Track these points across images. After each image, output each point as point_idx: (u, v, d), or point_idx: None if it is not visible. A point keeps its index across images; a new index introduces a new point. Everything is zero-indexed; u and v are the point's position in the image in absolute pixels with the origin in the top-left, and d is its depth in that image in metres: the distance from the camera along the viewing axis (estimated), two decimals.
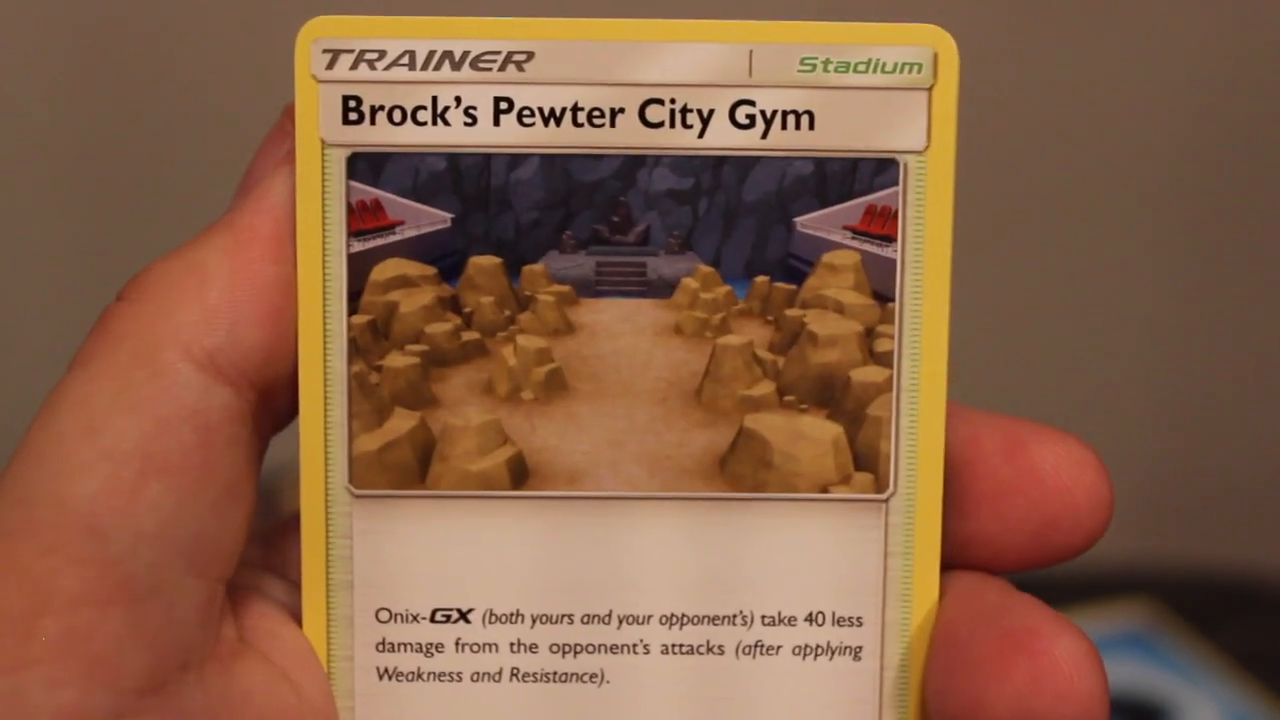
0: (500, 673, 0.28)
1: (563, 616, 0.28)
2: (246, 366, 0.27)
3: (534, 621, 0.28)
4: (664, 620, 0.28)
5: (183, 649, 0.26)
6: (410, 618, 0.28)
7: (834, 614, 0.28)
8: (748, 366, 0.28)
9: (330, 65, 0.27)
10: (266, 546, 0.30)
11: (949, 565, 0.29)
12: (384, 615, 0.28)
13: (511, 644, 0.28)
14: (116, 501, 0.26)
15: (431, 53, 0.27)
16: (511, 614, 0.28)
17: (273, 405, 0.28)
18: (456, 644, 0.28)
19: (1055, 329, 0.80)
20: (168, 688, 0.26)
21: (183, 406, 0.26)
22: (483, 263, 0.28)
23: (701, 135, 0.28)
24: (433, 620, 0.28)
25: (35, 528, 0.25)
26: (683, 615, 0.28)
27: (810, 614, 0.28)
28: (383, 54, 0.27)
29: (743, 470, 0.28)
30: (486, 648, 0.28)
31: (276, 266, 0.27)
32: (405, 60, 0.27)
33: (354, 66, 0.27)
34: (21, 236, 0.75)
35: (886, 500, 0.28)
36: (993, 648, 0.27)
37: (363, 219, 0.28)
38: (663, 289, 0.28)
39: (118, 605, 0.25)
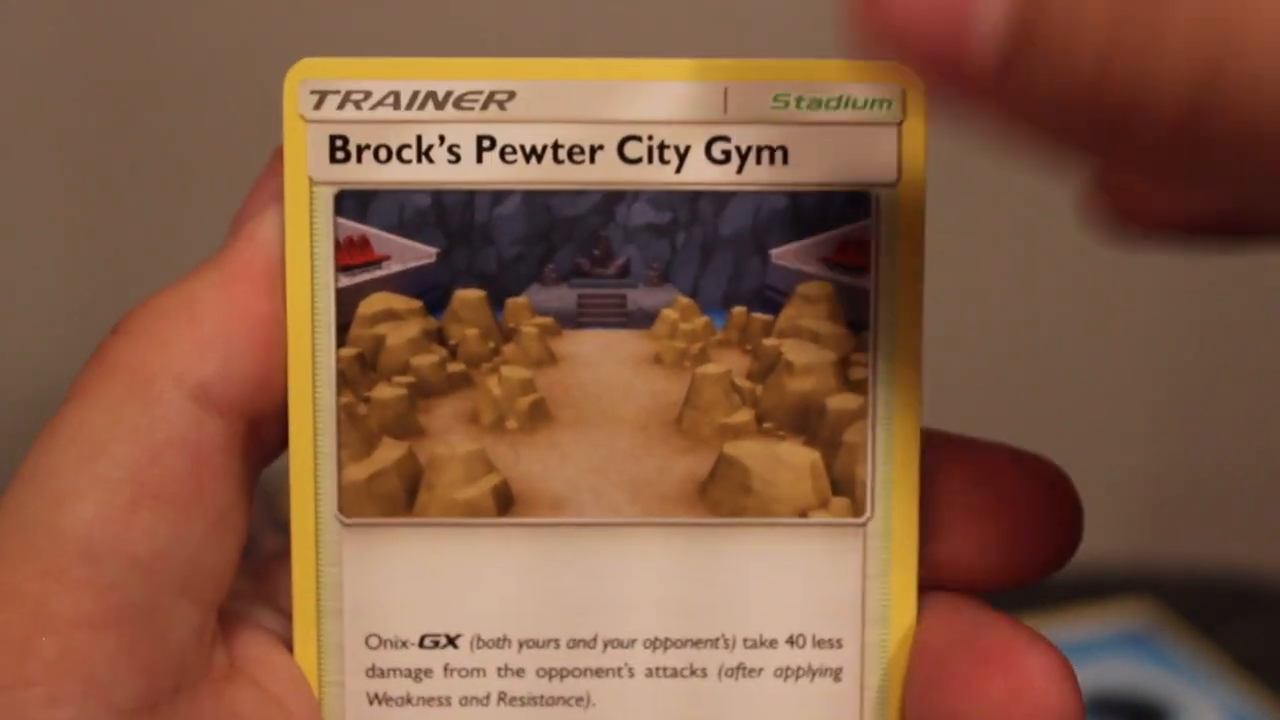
0: (487, 697, 0.29)
1: (548, 641, 0.29)
2: (237, 398, 0.28)
3: (520, 646, 0.29)
4: (648, 644, 0.29)
5: (176, 671, 0.27)
6: (399, 644, 0.29)
7: (814, 636, 0.29)
8: (726, 395, 0.29)
9: (318, 105, 0.28)
10: (257, 578, 0.31)
11: (925, 586, 0.29)
12: (373, 641, 0.29)
13: (498, 669, 0.29)
14: (111, 528, 0.26)
15: (416, 93, 0.28)
16: (498, 639, 0.29)
17: (263, 436, 0.29)
18: (445, 669, 0.29)
19: (1056, 329, 0.80)
20: (160, 709, 0.26)
21: (175, 435, 0.27)
22: (467, 296, 0.29)
23: (679, 170, 0.28)
24: (421, 646, 0.29)
25: (32, 552, 0.26)
26: (666, 639, 0.29)
27: (791, 636, 0.29)
28: (368, 94, 0.28)
29: (722, 496, 0.29)
30: (474, 673, 0.29)
31: (267, 301, 0.28)
32: (390, 100, 0.28)
33: (340, 106, 0.28)
34: (17, 261, 0.76)
35: (864, 524, 0.29)
36: (969, 665, 0.27)
37: (350, 254, 0.28)
38: (643, 320, 0.29)
39: (112, 627, 0.26)
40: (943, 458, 0.29)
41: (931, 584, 0.29)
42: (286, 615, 0.30)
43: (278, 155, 0.29)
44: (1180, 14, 0.18)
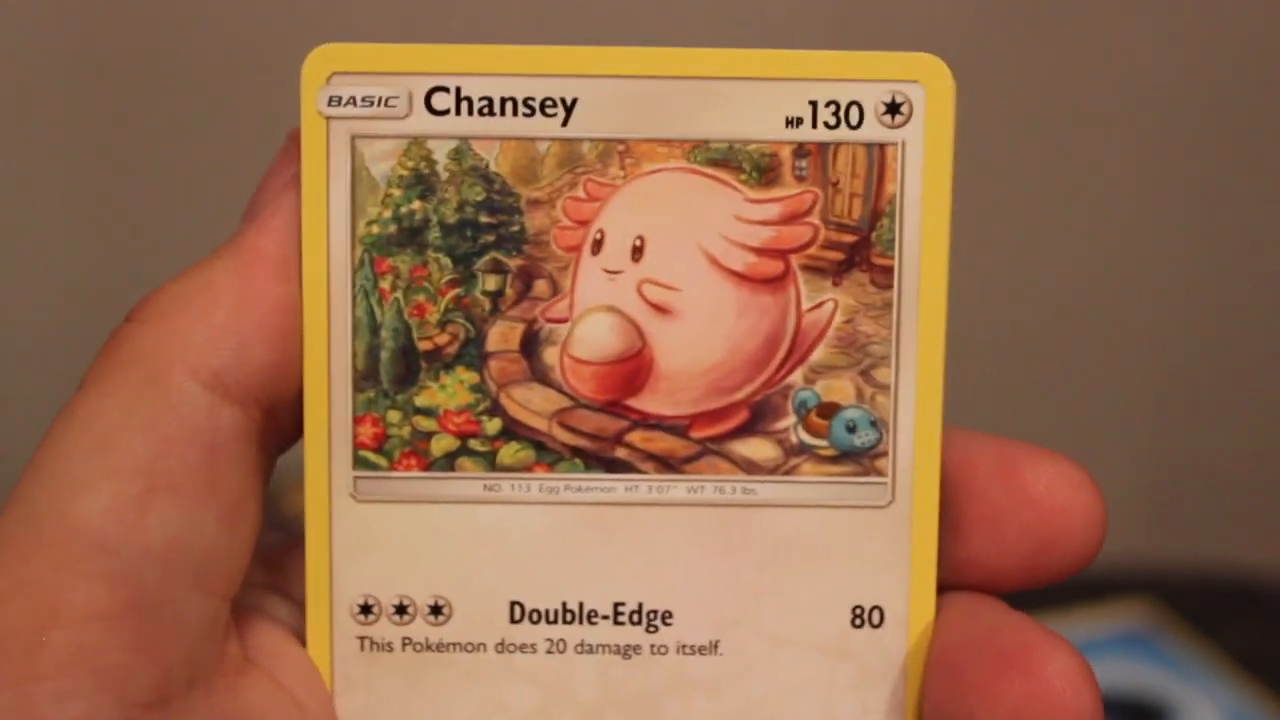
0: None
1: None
2: (253, 385, 0.27)
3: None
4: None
5: (189, 664, 0.26)
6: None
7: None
8: None
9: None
10: (270, 567, 0.30)
11: (945, 586, 0.29)
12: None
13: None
14: (124, 518, 0.26)
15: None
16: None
17: (279, 423, 0.28)
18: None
19: (1056, 329, 0.80)
20: (174, 703, 0.26)
21: (190, 425, 0.27)
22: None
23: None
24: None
25: (44, 544, 0.26)
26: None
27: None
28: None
29: None
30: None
31: (283, 287, 0.28)
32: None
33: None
34: (22, 248, 0.75)
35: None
36: (987, 667, 0.27)
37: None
38: None
39: (126, 620, 0.26)
40: (962, 455, 0.29)
41: (952, 584, 0.29)
42: (299, 605, 0.29)
43: (292, 139, 0.28)
44: None
